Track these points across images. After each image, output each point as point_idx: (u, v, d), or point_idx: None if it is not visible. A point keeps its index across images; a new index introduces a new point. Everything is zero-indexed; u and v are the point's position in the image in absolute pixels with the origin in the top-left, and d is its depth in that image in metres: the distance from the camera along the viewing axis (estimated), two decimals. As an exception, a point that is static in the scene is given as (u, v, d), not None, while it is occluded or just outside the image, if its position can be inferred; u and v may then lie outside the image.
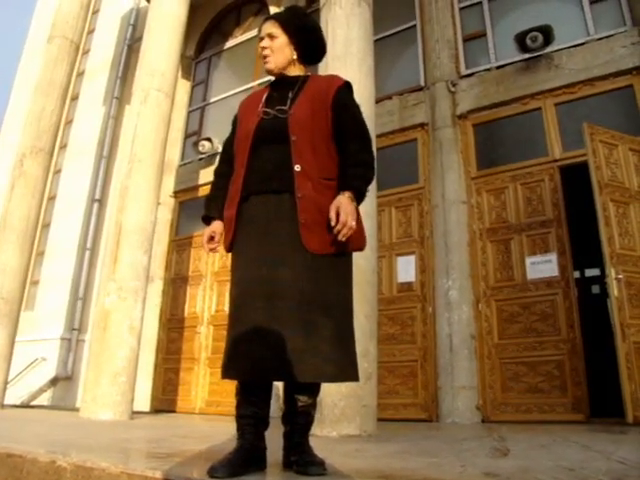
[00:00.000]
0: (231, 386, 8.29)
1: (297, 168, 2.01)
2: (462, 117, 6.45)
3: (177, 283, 8.33)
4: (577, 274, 8.93)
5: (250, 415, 1.95)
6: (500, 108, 6.28)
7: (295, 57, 2.24)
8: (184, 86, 9.54)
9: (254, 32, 9.05)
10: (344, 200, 1.95)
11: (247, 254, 2.01)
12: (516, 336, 5.46)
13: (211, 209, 2.25)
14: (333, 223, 1.91)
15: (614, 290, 4.67)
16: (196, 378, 7.55)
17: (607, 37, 5.89)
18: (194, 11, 8.53)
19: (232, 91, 8.93)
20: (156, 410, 7.62)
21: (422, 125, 6.64)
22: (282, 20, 2.23)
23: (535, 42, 6.03)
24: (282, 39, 2.21)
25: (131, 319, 5.63)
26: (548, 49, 6.06)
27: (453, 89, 6.56)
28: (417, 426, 5.01)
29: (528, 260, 5.59)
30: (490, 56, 6.62)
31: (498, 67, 6.46)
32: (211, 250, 2.19)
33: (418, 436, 3.91)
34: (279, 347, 1.85)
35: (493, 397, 5.43)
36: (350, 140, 2.11)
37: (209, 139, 8.29)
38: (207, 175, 8.41)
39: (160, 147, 6.45)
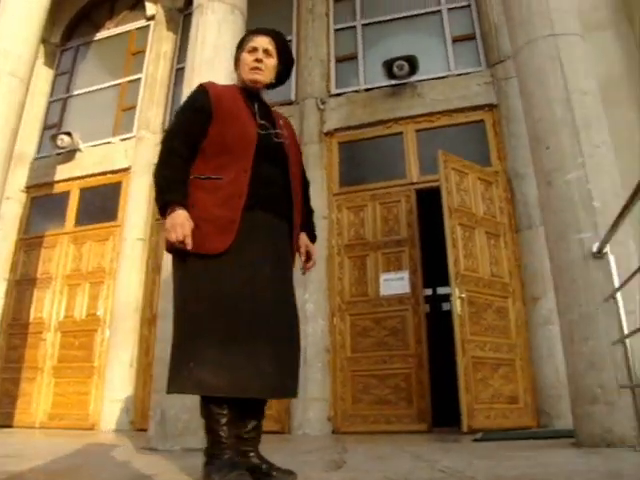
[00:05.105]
0: (78, 397, 7.59)
1: (296, 198, 2.19)
2: (329, 134, 6.61)
3: (23, 285, 7.64)
4: (430, 292, 9.49)
5: (233, 435, 1.99)
6: (365, 129, 6.53)
7: (272, 82, 2.34)
8: (46, 74, 8.87)
9: (128, 27, 8.69)
10: (308, 241, 2.33)
11: (257, 268, 2.00)
12: (368, 350, 5.64)
13: (183, 195, 1.97)
14: (309, 263, 2.34)
15: (457, 308, 4.98)
16: (38, 389, 6.96)
17: (465, 74, 6.39)
18: (61, -5, 8.01)
19: (99, 85, 8.46)
20: (-12, 425, 6.92)
21: (290, 139, 6.70)
22: (279, 46, 2.31)
23: (401, 70, 6.35)
24: (274, 62, 2.29)
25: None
26: (413, 78, 6.41)
27: (322, 106, 6.71)
28: (268, 438, 4.91)
29: (382, 277, 5.82)
30: (360, 78, 6.88)
31: (366, 90, 6.73)
32: (188, 245, 1.91)
33: (264, 448, 3.86)
34: (282, 364, 1.97)
35: (344, 408, 5.56)
36: (304, 189, 2.38)
37: (69, 133, 7.71)
38: (65, 171, 7.84)
39: (10, 137, 5.87)
